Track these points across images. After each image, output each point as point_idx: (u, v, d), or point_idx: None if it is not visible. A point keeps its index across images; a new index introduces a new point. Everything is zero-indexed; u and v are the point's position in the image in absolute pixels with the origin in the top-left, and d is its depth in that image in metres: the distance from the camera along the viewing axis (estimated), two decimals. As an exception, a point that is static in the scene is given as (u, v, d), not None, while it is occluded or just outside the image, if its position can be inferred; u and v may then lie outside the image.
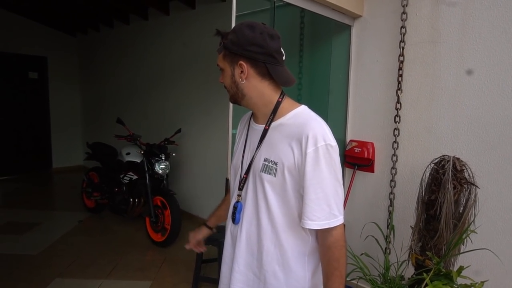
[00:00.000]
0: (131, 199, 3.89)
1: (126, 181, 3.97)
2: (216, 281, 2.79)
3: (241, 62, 1.06)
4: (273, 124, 1.10)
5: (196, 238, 1.48)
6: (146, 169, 3.75)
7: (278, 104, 1.10)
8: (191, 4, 4.32)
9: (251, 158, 1.14)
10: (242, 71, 1.07)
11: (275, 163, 1.06)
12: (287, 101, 1.12)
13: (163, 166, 3.78)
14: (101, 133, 5.89)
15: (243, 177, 1.15)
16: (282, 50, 1.09)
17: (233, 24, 1.87)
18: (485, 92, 2.11)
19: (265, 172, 1.07)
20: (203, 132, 4.31)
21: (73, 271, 3.06)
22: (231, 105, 1.94)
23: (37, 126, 6.60)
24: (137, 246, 3.65)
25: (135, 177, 3.93)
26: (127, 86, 5.71)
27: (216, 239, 2.82)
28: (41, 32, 6.35)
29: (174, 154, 4.02)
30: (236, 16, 1.87)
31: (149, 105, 5.23)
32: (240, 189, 1.16)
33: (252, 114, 1.20)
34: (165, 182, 3.87)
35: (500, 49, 2.05)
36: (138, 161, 3.91)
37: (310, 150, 1.00)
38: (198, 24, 4.28)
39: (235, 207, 1.16)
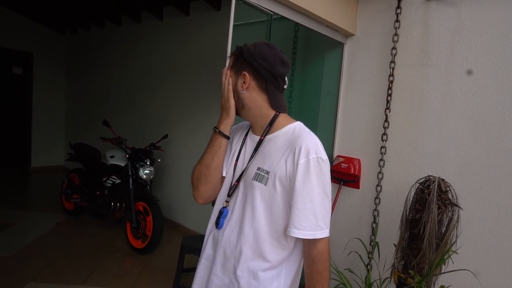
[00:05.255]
0: (112, 203, 3.81)
1: (109, 185, 3.89)
2: (196, 291, 2.75)
3: (245, 72, 1.13)
4: (268, 136, 1.16)
5: None
6: (130, 174, 3.68)
7: (275, 117, 1.16)
8: (185, 10, 4.32)
9: (244, 166, 1.17)
10: (244, 82, 1.13)
11: (267, 172, 1.10)
12: (284, 116, 1.18)
13: (147, 171, 3.72)
14: (85, 134, 5.78)
15: (234, 184, 1.18)
16: (286, 78, 1.17)
17: (230, 34, 1.88)
18: (470, 117, 2.18)
19: (256, 180, 1.12)
20: (190, 139, 4.28)
21: (47, 275, 2.95)
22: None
23: (17, 122, 6.42)
24: (116, 252, 3.56)
25: (118, 181, 3.86)
26: (115, 89, 5.63)
27: (198, 249, 2.79)
28: (29, 27, 6.22)
29: (159, 160, 3.97)
30: (234, 26, 1.88)
31: (136, 109, 5.17)
32: (229, 195, 1.19)
33: (251, 125, 1.24)
34: (148, 187, 3.81)
35: (485, 76, 2.13)
36: (122, 164, 3.84)
37: (302, 161, 1.05)
38: (191, 31, 4.29)
39: (220, 212, 1.18)
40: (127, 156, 3.77)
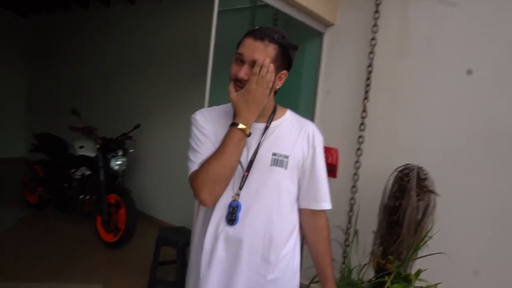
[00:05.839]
0: (81, 196, 3.64)
1: (78, 177, 3.71)
2: (173, 284, 2.69)
3: (286, 72, 1.14)
4: (273, 123, 1.18)
5: None
6: (101, 165, 3.53)
7: (276, 106, 1.21)
8: (159, -5, 4.18)
9: (251, 155, 1.13)
10: (281, 80, 1.14)
11: (286, 156, 1.14)
12: (278, 105, 1.25)
13: (119, 162, 3.58)
14: (50, 124, 5.46)
15: (244, 175, 1.13)
16: None
17: (215, 20, 1.81)
18: (445, 107, 2.26)
19: (276, 166, 1.13)
20: (164, 128, 4.16)
21: (12, 274, 2.77)
22: (206, 99, 1.88)
23: (-27, 111, 5.98)
24: (86, 246, 3.41)
25: (88, 172, 3.69)
26: (84, 76, 5.36)
27: (176, 241, 2.73)
28: (-15, 9, 5.77)
29: (132, 150, 3.83)
30: (218, 12, 1.82)
31: (107, 97, 4.95)
32: (240, 188, 1.13)
33: None
34: (120, 179, 3.67)
35: (461, 68, 2.20)
36: (92, 155, 3.67)
37: (317, 143, 1.19)
38: (165, 16, 4.15)
39: (233, 207, 1.11)
40: (98, 146, 3.60)
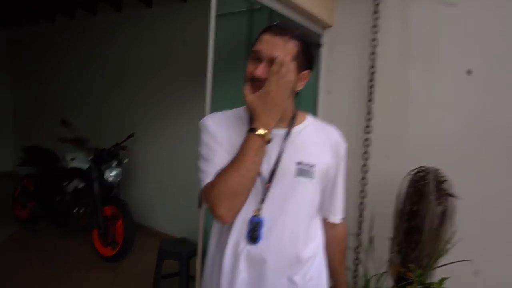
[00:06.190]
0: (75, 209, 3.49)
1: (71, 189, 3.55)
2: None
3: (307, 71, 1.05)
4: (294, 128, 1.08)
5: None
6: (95, 176, 3.39)
7: (296, 111, 1.11)
8: (147, 1, 4.05)
9: (272, 164, 1.02)
10: (301, 80, 1.04)
11: (312, 166, 1.05)
12: (298, 109, 1.15)
13: (114, 173, 3.45)
14: (40, 136, 5.27)
15: (266, 186, 1.02)
16: None
17: (212, 25, 1.71)
18: (453, 106, 2.20)
19: (302, 176, 1.04)
20: (160, 137, 4.04)
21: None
22: (208, 105, 1.77)
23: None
24: (82, 262, 3.26)
25: (81, 184, 3.54)
26: (72, 87, 5.18)
27: (179, 253, 2.61)
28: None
29: (127, 160, 3.70)
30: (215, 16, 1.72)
31: (98, 107, 4.79)
32: (262, 201, 1.02)
33: None
34: (116, 190, 3.54)
35: (465, 66, 2.14)
36: (85, 167, 3.52)
37: (342, 151, 1.14)
38: (155, 24, 4.03)
39: (255, 224, 1.00)
40: (90, 157, 3.47)
